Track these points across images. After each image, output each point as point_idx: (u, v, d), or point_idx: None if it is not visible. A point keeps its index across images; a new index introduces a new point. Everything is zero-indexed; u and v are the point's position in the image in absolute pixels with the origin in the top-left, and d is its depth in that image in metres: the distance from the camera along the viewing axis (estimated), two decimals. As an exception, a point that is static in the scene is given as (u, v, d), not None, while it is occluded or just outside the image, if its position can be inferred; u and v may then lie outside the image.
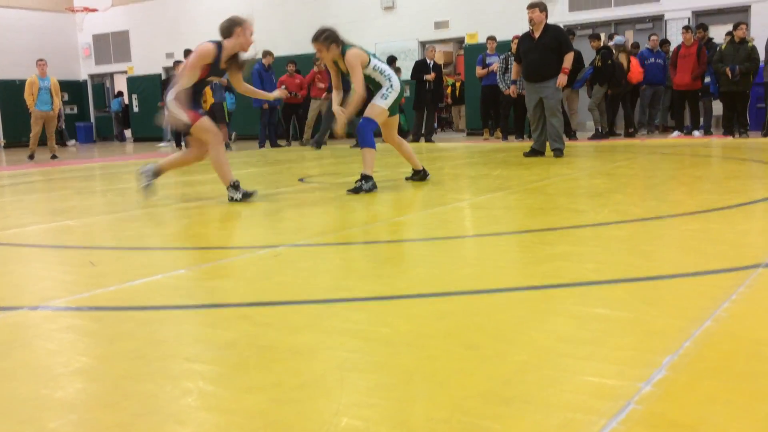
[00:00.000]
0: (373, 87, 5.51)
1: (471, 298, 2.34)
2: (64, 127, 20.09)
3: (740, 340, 1.81)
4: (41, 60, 12.55)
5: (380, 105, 5.39)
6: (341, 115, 5.34)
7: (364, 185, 5.30)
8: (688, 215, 3.85)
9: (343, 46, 5.30)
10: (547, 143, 8.35)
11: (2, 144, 20.37)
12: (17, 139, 18.93)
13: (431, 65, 13.27)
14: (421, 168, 5.98)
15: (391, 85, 5.41)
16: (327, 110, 12.68)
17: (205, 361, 1.81)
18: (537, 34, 8.13)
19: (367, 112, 5.42)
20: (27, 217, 4.85)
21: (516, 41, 12.43)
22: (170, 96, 4.87)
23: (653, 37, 12.71)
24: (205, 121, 4.96)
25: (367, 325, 2.05)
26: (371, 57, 5.39)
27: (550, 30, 8.16)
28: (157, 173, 5.23)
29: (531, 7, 8.14)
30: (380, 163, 8.60)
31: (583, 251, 3.02)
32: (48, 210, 5.31)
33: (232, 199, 5.04)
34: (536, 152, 8.38)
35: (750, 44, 10.73)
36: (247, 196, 5.05)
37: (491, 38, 13.38)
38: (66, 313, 2.32)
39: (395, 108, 5.56)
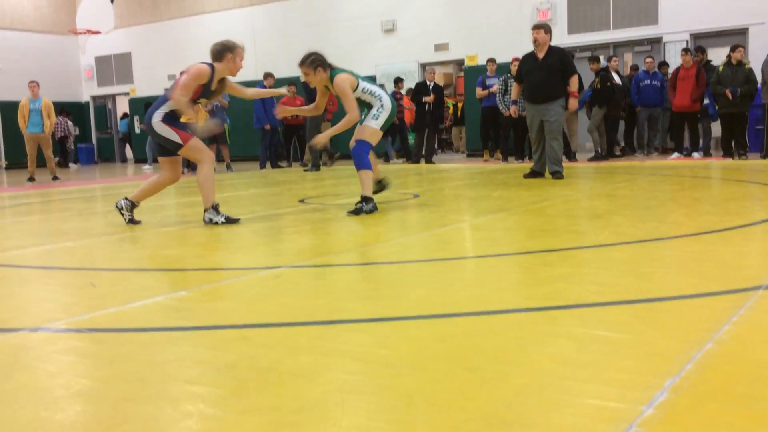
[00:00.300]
0: (363, 107, 5.55)
1: (472, 319, 2.33)
2: (73, 147, 20.19)
3: (742, 363, 1.81)
4: (32, 81, 12.45)
5: (372, 126, 5.42)
6: (325, 133, 5.44)
7: (365, 207, 5.31)
8: (688, 237, 3.85)
9: (331, 71, 5.36)
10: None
11: (3, 165, 20.44)
12: (19, 161, 18.99)
13: (431, 87, 13.37)
14: (381, 178, 5.92)
15: (382, 105, 5.45)
16: (309, 130, 12.60)
17: (205, 383, 1.80)
18: (541, 55, 8.09)
19: (359, 134, 5.44)
20: (27, 239, 4.86)
21: (515, 63, 12.53)
22: (156, 118, 4.90)
23: (648, 60, 12.82)
24: (196, 141, 4.99)
25: (367, 347, 2.05)
26: (359, 80, 5.45)
27: (555, 51, 8.13)
28: (133, 205, 5.22)
29: (536, 27, 8.12)
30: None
31: (584, 273, 3.02)
32: (48, 231, 5.31)
33: (210, 221, 5.00)
34: (536, 174, 8.36)
35: (747, 66, 10.83)
36: (230, 221, 5.03)
37: (491, 60, 13.48)
38: (66, 334, 2.31)
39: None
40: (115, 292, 3.00)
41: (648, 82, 12.63)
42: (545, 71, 8.00)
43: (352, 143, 5.53)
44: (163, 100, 4.98)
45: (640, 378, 1.70)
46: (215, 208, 5.04)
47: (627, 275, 2.94)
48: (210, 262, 3.83)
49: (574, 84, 8.07)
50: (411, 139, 15.02)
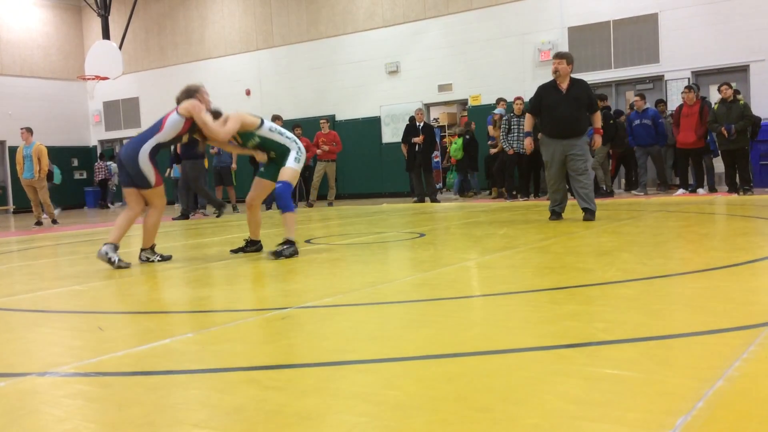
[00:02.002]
0: (273, 148, 5.44)
1: (480, 359, 2.32)
2: (114, 189, 20.39)
3: (753, 400, 1.79)
4: (22, 128, 12.45)
5: (294, 167, 5.39)
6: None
7: (286, 250, 5.25)
8: (696, 273, 3.84)
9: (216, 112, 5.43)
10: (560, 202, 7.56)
11: (11, 210, 20.57)
12: (26, 205, 19.13)
13: (420, 127, 13.44)
14: (258, 240, 5.78)
15: (300, 149, 5.46)
16: (189, 174, 11.90)
17: (213, 427, 1.79)
18: (564, 87, 7.29)
19: (283, 176, 5.34)
20: (35, 282, 4.87)
21: (518, 102, 12.66)
22: (144, 153, 5.11)
23: (636, 98, 12.79)
24: (162, 188, 5.38)
25: (376, 388, 2.04)
26: (263, 120, 5.42)
27: (578, 83, 7.39)
28: (115, 248, 5.22)
29: (558, 57, 7.38)
30: (385, 224, 8.66)
31: (592, 310, 3.01)
32: (56, 275, 5.33)
33: (147, 260, 5.41)
34: (559, 215, 7.51)
35: (741, 102, 10.93)
36: (164, 258, 5.48)
37: (502, 100, 13.66)
38: (74, 379, 2.31)
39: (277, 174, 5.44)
40: (123, 335, 3.00)
41: (639, 121, 12.63)
42: (573, 104, 7.22)
43: (252, 196, 5.58)
44: (151, 133, 5.23)
45: (652, 417, 1.69)
46: (152, 249, 5.50)
47: (635, 312, 2.92)
48: (217, 303, 3.83)
49: (598, 120, 7.43)
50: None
